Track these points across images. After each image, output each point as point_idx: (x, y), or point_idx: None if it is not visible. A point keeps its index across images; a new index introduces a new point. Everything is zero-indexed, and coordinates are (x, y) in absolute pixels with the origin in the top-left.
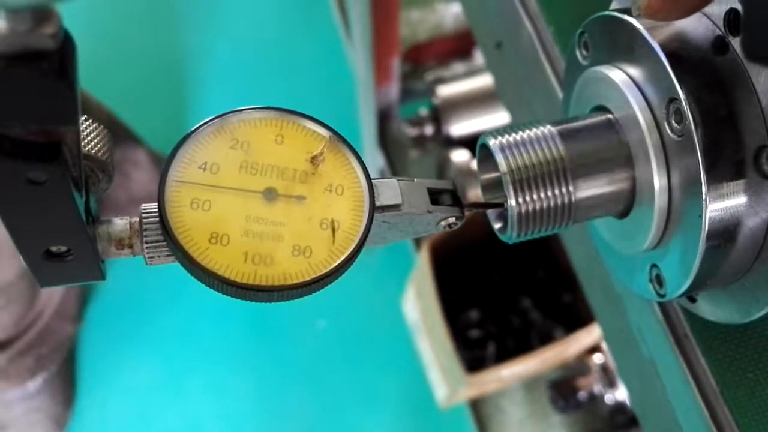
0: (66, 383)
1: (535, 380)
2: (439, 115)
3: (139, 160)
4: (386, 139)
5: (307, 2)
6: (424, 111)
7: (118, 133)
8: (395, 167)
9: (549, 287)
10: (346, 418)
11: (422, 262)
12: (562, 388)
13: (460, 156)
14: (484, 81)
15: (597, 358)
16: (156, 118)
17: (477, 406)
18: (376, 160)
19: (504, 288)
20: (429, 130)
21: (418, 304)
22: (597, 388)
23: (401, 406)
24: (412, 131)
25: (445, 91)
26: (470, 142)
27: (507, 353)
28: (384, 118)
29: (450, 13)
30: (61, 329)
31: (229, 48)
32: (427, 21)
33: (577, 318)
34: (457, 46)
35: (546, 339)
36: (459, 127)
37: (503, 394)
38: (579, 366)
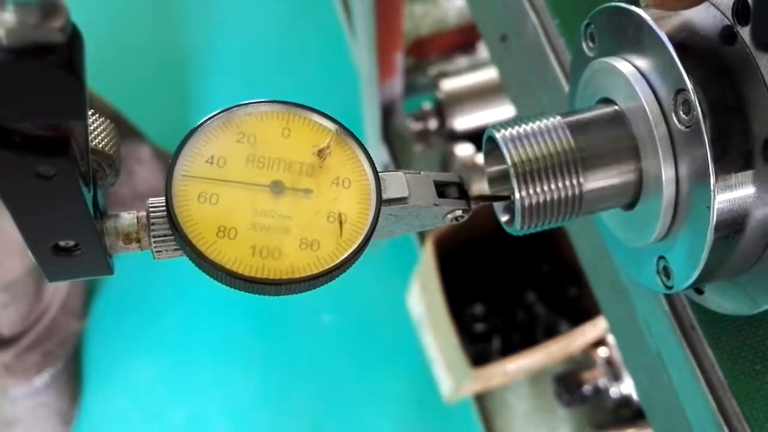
0: (72, 379)
1: (540, 374)
2: (442, 109)
3: (142, 156)
4: (390, 134)
5: None
6: (427, 105)
7: (121, 130)
8: (399, 162)
9: (554, 281)
10: (350, 413)
11: (427, 257)
12: (567, 381)
13: (464, 150)
14: (487, 75)
15: (602, 352)
16: (159, 115)
17: (482, 400)
18: (379, 154)
19: (509, 282)
20: (433, 124)
21: (423, 299)
22: (602, 381)
23: (406, 401)
24: (415, 125)
25: (449, 85)
26: (474, 136)
27: (512, 347)
28: (387, 112)
29: (453, 7)
30: (67, 325)
31: (232, 43)
32: (431, 15)
33: (581, 311)
34: (460, 40)
35: (551, 333)
36: (463, 121)
37: (508, 388)
38: (584, 359)
